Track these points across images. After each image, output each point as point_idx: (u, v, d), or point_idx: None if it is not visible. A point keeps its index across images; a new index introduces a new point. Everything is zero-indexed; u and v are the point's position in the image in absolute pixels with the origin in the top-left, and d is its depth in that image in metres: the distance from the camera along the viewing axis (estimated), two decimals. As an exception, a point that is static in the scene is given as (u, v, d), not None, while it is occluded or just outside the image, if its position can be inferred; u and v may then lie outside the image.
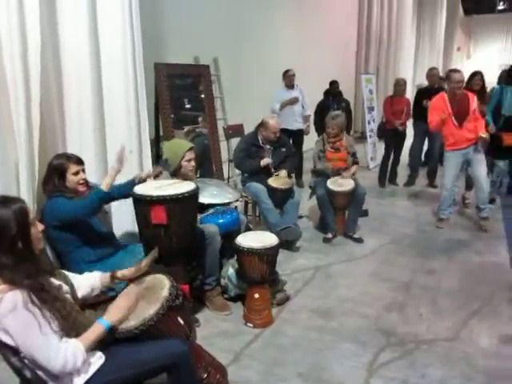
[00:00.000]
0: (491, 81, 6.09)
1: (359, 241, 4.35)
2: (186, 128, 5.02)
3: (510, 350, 2.62)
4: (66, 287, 1.74)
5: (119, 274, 1.99)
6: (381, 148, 7.80)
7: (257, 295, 2.83)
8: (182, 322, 1.93)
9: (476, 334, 2.77)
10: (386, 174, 6.64)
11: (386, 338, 2.74)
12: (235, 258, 3.16)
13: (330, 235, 4.39)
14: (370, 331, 2.81)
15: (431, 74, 6.34)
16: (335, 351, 2.61)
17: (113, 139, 3.08)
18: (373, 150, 8.04)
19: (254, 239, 2.84)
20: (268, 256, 2.76)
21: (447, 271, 3.69)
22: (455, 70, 4.43)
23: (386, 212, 5.34)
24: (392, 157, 6.56)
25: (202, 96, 5.17)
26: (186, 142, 3.16)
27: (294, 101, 5.97)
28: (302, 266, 3.79)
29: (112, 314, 1.72)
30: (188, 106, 5.21)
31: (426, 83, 6.79)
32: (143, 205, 2.43)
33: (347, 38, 10.69)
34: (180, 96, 5.02)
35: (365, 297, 3.25)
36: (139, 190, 2.48)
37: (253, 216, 4.63)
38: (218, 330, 2.82)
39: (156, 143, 4.61)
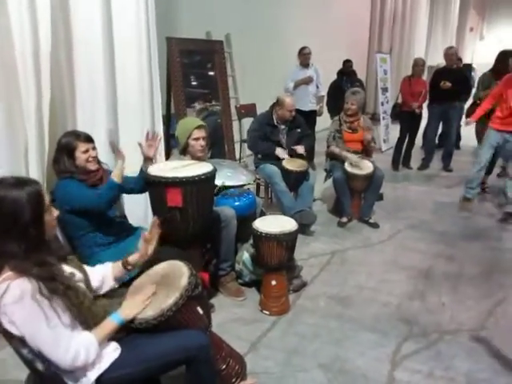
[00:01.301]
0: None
1: (375, 226, 4.22)
2: (199, 106, 4.87)
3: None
4: (79, 275, 1.63)
5: (131, 259, 1.86)
6: (394, 130, 7.63)
7: (274, 282, 2.73)
8: (201, 312, 1.82)
9: (502, 325, 2.66)
10: (401, 157, 6.48)
11: (408, 327, 2.64)
12: (250, 242, 3.07)
13: (345, 219, 4.27)
14: (391, 320, 2.71)
15: (449, 53, 6.07)
16: (356, 341, 2.51)
17: (125, 118, 2.95)
18: (385, 132, 7.86)
19: (272, 224, 2.72)
20: (287, 242, 2.64)
21: (468, 258, 3.57)
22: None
23: (401, 196, 5.21)
24: (407, 139, 6.39)
25: (211, 73, 4.99)
26: (195, 120, 2.97)
27: (308, 80, 5.77)
28: (318, 250, 3.68)
29: (127, 310, 1.62)
30: (199, 83, 5.04)
31: (442, 64, 6.56)
32: (158, 187, 2.31)
33: (361, 16, 10.38)
34: (192, 72, 4.86)
35: (384, 284, 3.15)
36: (154, 171, 2.35)
37: (265, 198, 4.52)
38: (233, 317, 2.73)
39: (167, 120, 4.47)
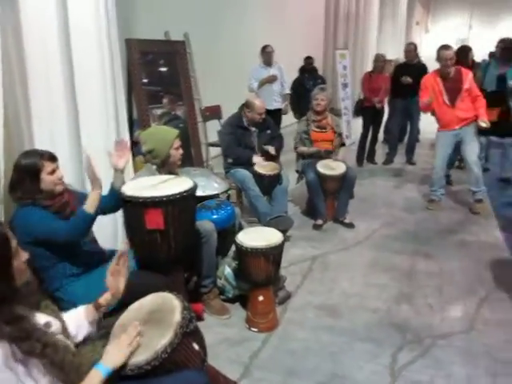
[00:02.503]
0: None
1: (350, 226, 4.17)
2: (160, 111, 4.63)
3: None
4: (56, 324, 1.41)
5: (102, 300, 1.64)
6: (356, 125, 7.67)
7: (261, 297, 2.59)
8: (197, 347, 1.65)
9: (491, 324, 2.66)
10: (365, 153, 6.51)
11: (402, 333, 2.57)
12: (231, 255, 2.91)
13: (320, 221, 4.19)
14: (382, 327, 2.64)
15: (408, 49, 6.18)
16: (351, 354, 2.41)
17: (88, 128, 2.69)
18: (347, 128, 7.88)
19: (257, 237, 2.57)
20: (274, 255, 2.51)
21: (445, 255, 3.57)
22: (446, 47, 4.18)
23: (370, 193, 5.20)
24: (370, 135, 6.42)
25: (173, 75, 4.76)
26: (171, 129, 2.79)
27: (272, 79, 5.64)
28: (298, 256, 3.57)
29: (111, 357, 1.41)
30: (162, 84, 4.78)
31: (402, 59, 6.64)
32: (135, 208, 2.10)
33: (316, 14, 10.37)
34: (153, 74, 4.61)
35: (369, 289, 3.08)
36: (129, 190, 2.13)
37: (237, 204, 4.37)
38: (220, 338, 2.56)
39: (129, 127, 4.20)
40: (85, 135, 2.70)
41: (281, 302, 2.89)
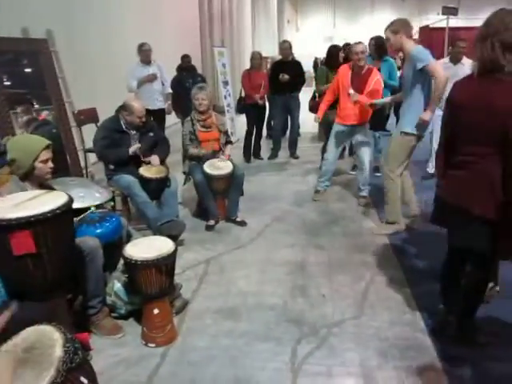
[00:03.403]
0: (319, 52, 6.30)
1: (243, 224, 4.19)
2: (26, 117, 4.16)
3: (406, 316, 2.74)
4: None
5: None
6: (239, 122, 7.77)
7: (156, 310, 2.44)
8: (85, 381, 1.49)
9: (377, 307, 2.84)
10: (251, 149, 6.61)
11: (298, 327, 2.63)
12: (120, 269, 2.72)
13: (212, 222, 4.14)
14: (280, 323, 2.68)
15: (283, 47, 6.38)
16: (253, 355, 2.40)
17: None
18: (232, 125, 7.94)
19: (146, 248, 2.41)
20: (167, 265, 2.38)
21: (332, 244, 3.76)
22: (357, 42, 4.38)
23: (260, 188, 5.29)
24: (254, 131, 6.54)
25: (32, 75, 4.30)
26: (40, 139, 2.45)
27: (151, 78, 5.43)
28: (192, 261, 3.48)
29: None
30: (19, 85, 4.28)
31: (278, 56, 6.85)
32: (-2, 232, 1.81)
33: (190, 14, 10.27)
34: (8, 74, 4.10)
35: (265, 286, 3.11)
36: (-12, 211, 1.84)
37: (124, 211, 4.12)
38: (115, 360, 2.37)
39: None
40: None
41: (178, 312, 2.78)
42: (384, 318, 2.72)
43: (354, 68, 4.38)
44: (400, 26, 3.47)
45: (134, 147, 3.73)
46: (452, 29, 10.84)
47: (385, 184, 3.86)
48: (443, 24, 11.04)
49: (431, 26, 13.01)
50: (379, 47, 5.04)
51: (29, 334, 1.52)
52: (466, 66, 4.46)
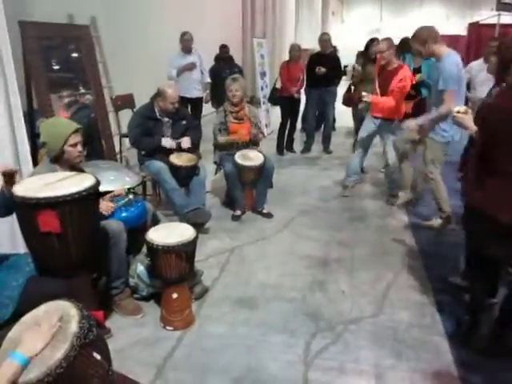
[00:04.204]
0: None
1: (269, 216, 4.21)
2: (68, 99, 4.31)
3: (426, 319, 2.69)
4: None
5: None
6: (274, 114, 7.75)
7: (175, 295, 2.51)
8: (98, 357, 1.55)
9: (396, 307, 2.80)
10: (284, 142, 6.60)
11: (315, 322, 2.64)
12: (144, 252, 2.80)
13: (238, 212, 4.18)
14: (297, 316, 2.69)
15: (323, 39, 6.28)
16: (267, 346, 2.43)
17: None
18: (266, 117, 7.94)
19: (168, 234, 2.48)
20: (187, 252, 2.44)
21: (356, 241, 3.71)
22: (383, 39, 4.34)
23: (289, 182, 5.28)
24: (288, 124, 6.51)
25: (76, 60, 4.43)
26: (70, 123, 2.50)
27: (191, 67, 5.52)
28: (216, 249, 3.53)
29: (29, 344, 1.36)
30: (64, 70, 4.43)
31: (317, 49, 6.76)
32: (27, 210, 1.91)
33: (233, 5, 10.28)
34: (54, 60, 4.25)
35: (285, 278, 3.12)
36: (20, 190, 1.93)
37: (153, 196, 4.23)
38: (133, 339, 2.46)
39: (30, 117, 3.86)
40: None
41: (197, 298, 2.84)
42: (403, 318, 2.68)
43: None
44: (426, 36, 3.43)
45: (168, 142, 3.79)
46: (503, 26, 10.31)
47: (429, 186, 3.87)
48: (495, 20, 10.51)
49: (481, 22, 12.45)
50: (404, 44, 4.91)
51: (47, 308, 1.59)
52: None
